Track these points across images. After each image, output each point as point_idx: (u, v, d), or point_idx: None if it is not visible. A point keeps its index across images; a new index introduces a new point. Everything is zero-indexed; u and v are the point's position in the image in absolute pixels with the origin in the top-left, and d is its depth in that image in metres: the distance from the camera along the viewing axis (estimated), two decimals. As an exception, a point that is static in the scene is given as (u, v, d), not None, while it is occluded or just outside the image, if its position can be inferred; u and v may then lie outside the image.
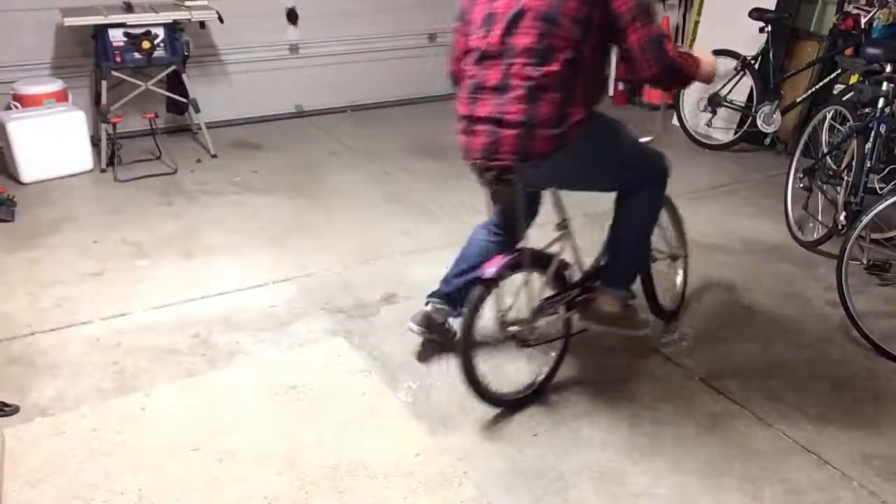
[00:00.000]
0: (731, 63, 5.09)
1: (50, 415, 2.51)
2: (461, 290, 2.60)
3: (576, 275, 2.65)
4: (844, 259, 2.98)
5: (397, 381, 2.73)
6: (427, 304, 2.79)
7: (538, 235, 2.60)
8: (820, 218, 3.79)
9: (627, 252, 2.61)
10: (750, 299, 3.34)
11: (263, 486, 2.21)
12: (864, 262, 3.29)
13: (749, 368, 2.84)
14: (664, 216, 2.80)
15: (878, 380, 2.79)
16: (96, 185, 4.54)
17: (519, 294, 2.50)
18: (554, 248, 2.54)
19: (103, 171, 4.70)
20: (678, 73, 2.26)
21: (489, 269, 2.35)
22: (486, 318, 2.49)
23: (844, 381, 2.78)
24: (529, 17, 2.18)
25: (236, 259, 3.63)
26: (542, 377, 2.63)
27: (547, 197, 2.56)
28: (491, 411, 2.55)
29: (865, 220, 3.00)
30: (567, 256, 2.59)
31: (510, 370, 2.75)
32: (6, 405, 2.53)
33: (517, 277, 2.46)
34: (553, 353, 2.67)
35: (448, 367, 2.79)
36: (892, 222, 3.17)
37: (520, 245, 2.50)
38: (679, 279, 3.13)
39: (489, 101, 2.25)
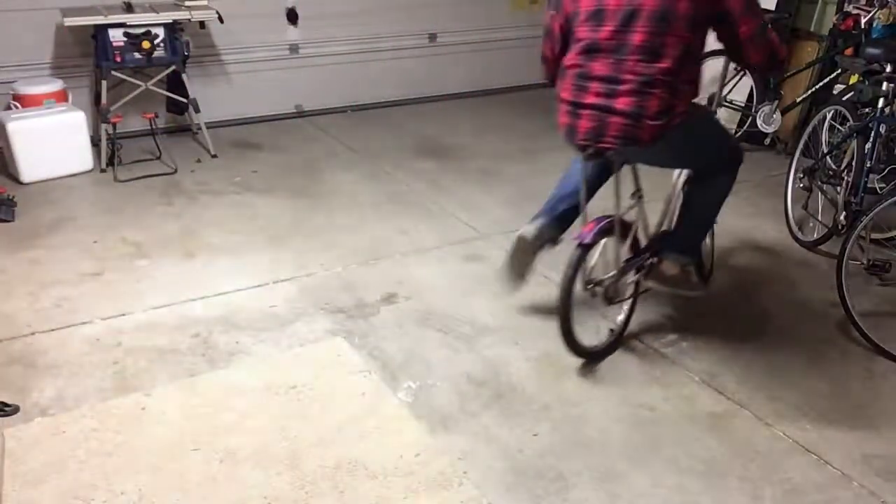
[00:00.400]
0: (732, 63, 5.09)
1: (50, 415, 2.51)
2: (567, 213, 2.96)
3: (643, 241, 2.93)
4: (844, 259, 2.98)
5: (397, 381, 2.73)
6: (533, 222, 3.01)
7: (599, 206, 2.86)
8: (820, 218, 3.79)
9: (695, 225, 2.87)
10: (750, 299, 3.34)
11: (263, 486, 2.21)
12: (864, 262, 3.29)
13: (749, 368, 2.84)
14: None
15: (877, 380, 2.79)
16: (96, 185, 4.54)
17: (604, 256, 2.79)
18: (629, 216, 2.83)
19: (103, 171, 4.70)
20: (777, 57, 2.49)
21: (587, 235, 2.64)
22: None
23: (844, 381, 2.78)
24: (644, 16, 2.35)
25: (236, 259, 3.63)
26: (616, 333, 2.96)
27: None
28: (490, 411, 2.56)
29: (865, 220, 3.00)
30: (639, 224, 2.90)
31: (590, 326, 2.94)
32: (6, 405, 2.53)
33: (605, 241, 2.76)
34: (624, 310, 2.98)
35: (448, 368, 2.80)
36: (892, 222, 3.17)
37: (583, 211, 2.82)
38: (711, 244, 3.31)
39: (597, 90, 2.45)
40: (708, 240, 3.24)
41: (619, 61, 2.40)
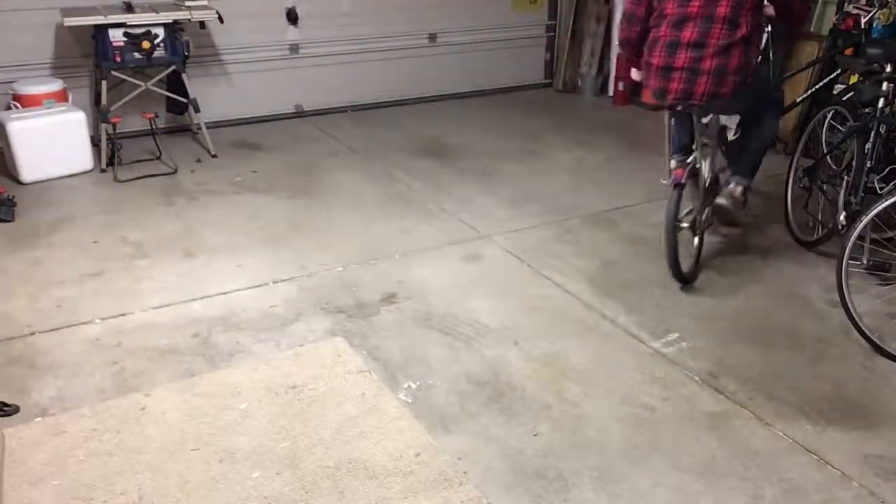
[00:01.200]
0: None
1: (50, 415, 2.51)
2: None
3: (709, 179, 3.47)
4: (844, 259, 2.98)
5: (397, 381, 2.73)
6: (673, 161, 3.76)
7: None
8: (820, 218, 3.79)
9: (753, 155, 3.53)
10: (750, 299, 3.34)
11: (263, 486, 2.21)
12: (864, 262, 3.28)
13: (749, 368, 2.84)
14: None
15: (877, 380, 2.79)
16: (96, 185, 4.55)
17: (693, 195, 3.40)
18: (701, 161, 3.39)
19: (103, 171, 4.70)
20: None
21: (680, 177, 3.28)
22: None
23: (844, 381, 2.78)
24: None
25: (236, 259, 3.63)
26: (694, 259, 3.46)
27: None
28: (490, 411, 2.56)
29: (865, 220, 2.99)
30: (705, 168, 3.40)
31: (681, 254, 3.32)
32: (6, 405, 2.53)
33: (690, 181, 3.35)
34: (696, 240, 3.45)
35: (448, 368, 2.80)
36: (892, 222, 3.16)
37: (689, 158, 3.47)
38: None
39: (686, 55, 3.08)
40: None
41: (707, 29, 3.04)
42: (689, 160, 3.43)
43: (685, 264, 3.38)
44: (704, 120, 3.33)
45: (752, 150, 3.53)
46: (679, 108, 3.23)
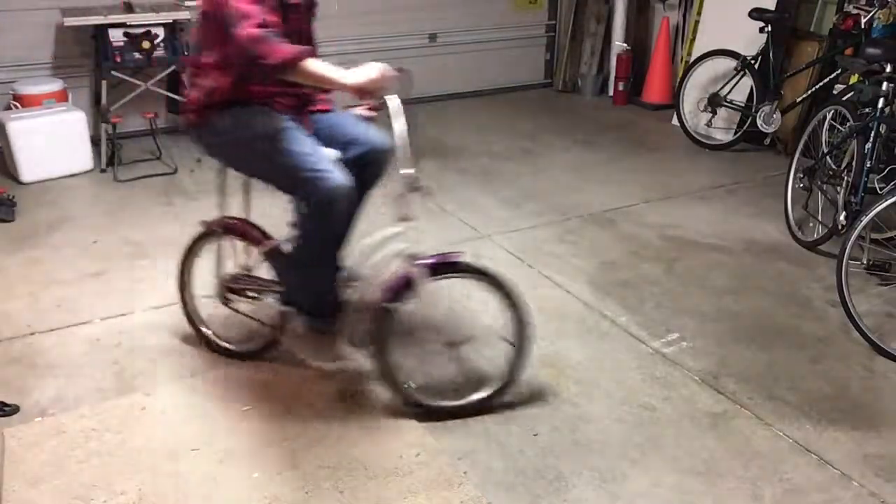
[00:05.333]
0: (732, 63, 5.10)
1: (50, 415, 2.51)
2: None
3: None
4: (844, 259, 2.98)
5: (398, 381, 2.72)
6: None
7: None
8: (820, 218, 3.79)
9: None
10: (750, 299, 3.34)
11: (263, 486, 2.21)
12: (864, 262, 3.29)
13: (749, 368, 2.84)
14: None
15: (877, 380, 2.79)
16: (96, 185, 4.54)
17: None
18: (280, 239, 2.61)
19: (103, 171, 4.70)
20: None
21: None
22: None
23: (844, 381, 2.78)
24: None
25: (236, 259, 3.62)
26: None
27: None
28: (492, 411, 2.55)
29: (865, 220, 3.00)
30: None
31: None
32: (6, 405, 2.53)
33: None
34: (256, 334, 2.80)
35: (447, 368, 2.80)
36: (892, 222, 3.16)
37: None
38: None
39: None
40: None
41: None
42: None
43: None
44: None
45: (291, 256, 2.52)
46: None
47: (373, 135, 2.58)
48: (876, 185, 3.64)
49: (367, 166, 2.56)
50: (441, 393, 2.59)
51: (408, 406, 2.50)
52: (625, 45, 6.30)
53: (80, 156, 4.65)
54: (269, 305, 2.65)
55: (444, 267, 2.39)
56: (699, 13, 5.71)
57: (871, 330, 2.96)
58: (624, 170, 4.88)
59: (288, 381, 2.70)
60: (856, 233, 3.01)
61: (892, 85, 3.39)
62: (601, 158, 5.13)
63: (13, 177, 4.50)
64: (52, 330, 3.01)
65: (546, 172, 4.84)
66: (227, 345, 2.82)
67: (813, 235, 3.79)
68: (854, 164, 3.49)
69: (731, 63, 5.10)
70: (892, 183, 3.55)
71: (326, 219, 2.38)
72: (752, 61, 5.04)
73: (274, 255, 2.56)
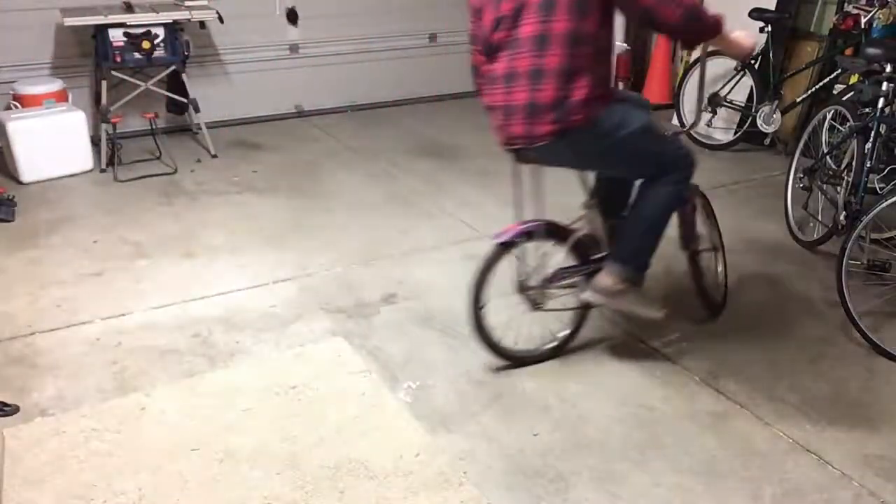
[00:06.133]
0: (732, 63, 5.10)
1: (50, 415, 2.51)
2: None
3: (597, 252, 2.78)
4: (844, 259, 2.98)
5: (397, 381, 2.73)
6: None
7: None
8: (820, 218, 3.79)
9: (634, 234, 2.67)
10: (750, 299, 3.34)
11: (263, 486, 2.21)
12: (864, 262, 3.29)
13: (749, 368, 2.84)
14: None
15: (877, 380, 2.79)
16: (96, 185, 4.54)
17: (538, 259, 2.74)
18: (577, 224, 2.76)
19: (103, 171, 4.70)
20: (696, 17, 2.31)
21: (503, 235, 2.61)
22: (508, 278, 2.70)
23: (844, 381, 2.78)
24: None
25: (236, 259, 3.63)
26: (554, 343, 2.87)
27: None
28: (490, 411, 2.56)
29: (865, 220, 3.00)
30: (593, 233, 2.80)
31: (525, 330, 2.84)
32: (6, 405, 2.53)
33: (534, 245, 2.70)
34: (569, 321, 2.88)
35: (448, 368, 2.80)
36: (892, 222, 3.16)
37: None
38: (721, 270, 3.23)
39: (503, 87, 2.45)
40: (721, 266, 3.21)
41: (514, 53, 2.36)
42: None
43: (525, 341, 2.84)
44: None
45: (632, 228, 2.65)
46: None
47: None
48: (876, 185, 3.64)
49: None
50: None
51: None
52: (625, 44, 6.30)
53: (80, 156, 4.65)
54: (579, 291, 2.76)
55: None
56: (699, 13, 5.69)
57: (871, 330, 2.96)
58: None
59: (289, 380, 2.70)
60: (856, 233, 3.01)
61: (892, 85, 3.38)
62: (601, 158, 5.12)
63: (13, 177, 4.50)
64: (52, 330, 3.01)
65: (546, 172, 4.83)
66: (527, 348, 2.83)
67: (813, 235, 3.79)
68: (854, 164, 3.49)
69: (731, 63, 5.10)
70: (892, 183, 3.55)
71: (688, 185, 2.67)
72: (752, 61, 5.04)
73: (582, 243, 2.73)
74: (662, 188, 2.55)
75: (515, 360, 2.81)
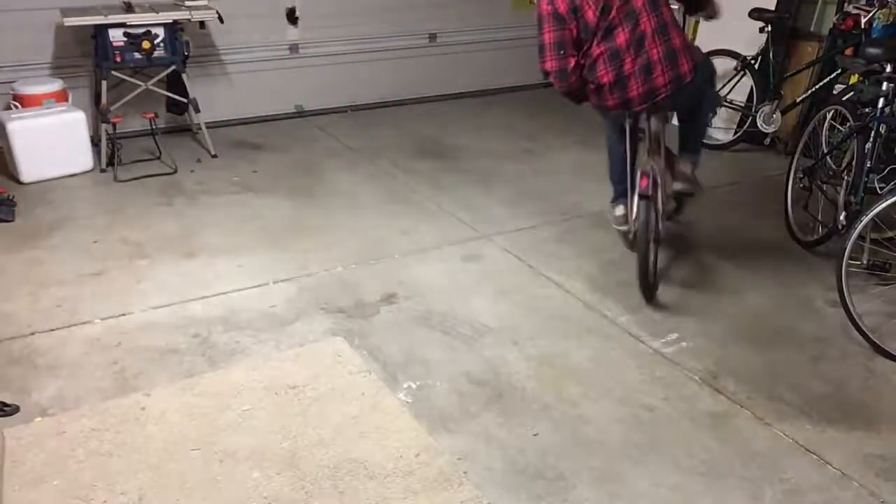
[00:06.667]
0: (732, 63, 5.10)
1: (50, 415, 2.51)
2: None
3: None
4: (844, 259, 2.98)
5: (397, 381, 2.73)
6: None
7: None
8: (820, 218, 3.79)
9: (698, 130, 3.59)
10: (750, 299, 3.34)
11: (263, 486, 2.21)
12: (864, 262, 3.28)
13: (749, 368, 2.84)
14: None
15: (877, 380, 2.79)
16: (96, 185, 4.54)
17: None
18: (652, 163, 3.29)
19: (103, 171, 4.69)
20: None
21: (646, 187, 3.14)
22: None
23: (844, 381, 2.78)
24: None
25: (236, 259, 3.63)
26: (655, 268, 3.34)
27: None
28: (490, 411, 2.56)
29: (865, 220, 3.00)
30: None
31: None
32: (6, 405, 2.53)
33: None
34: (655, 247, 3.29)
35: (448, 368, 2.80)
36: (892, 222, 3.16)
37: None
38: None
39: (631, 57, 3.15)
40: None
41: (634, 25, 3.06)
42: (646, 168, 3.21)
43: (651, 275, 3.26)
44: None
45: (697, 128, 3.55)
46: (640, 110, 3.15)
47: None
48: (876, 185, 3.63)
49: None
50: None
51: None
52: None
53: (80, 156, 4.64)
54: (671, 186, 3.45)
55: None
56: (699, 13, 5.70)
57: (871, 330, 2.96)
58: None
59: (289, 380, 2.70)
60: (856, 233, 3.01)
61: (892, 85, 3.38)
62: (601, 158, 5.08)
63: (13, 177, 4.50)
64: (52, 330, 3.01)
65: (546, 172, 4.84)
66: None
67: (813, 235, 3.79)
68: (854, 164, 3.49)
69: (731, 63, 5.10)
70: (892, 183, 3.55)
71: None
72: (752, 61, 5.04)
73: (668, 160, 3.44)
74: (709, 98, 3.53)
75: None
